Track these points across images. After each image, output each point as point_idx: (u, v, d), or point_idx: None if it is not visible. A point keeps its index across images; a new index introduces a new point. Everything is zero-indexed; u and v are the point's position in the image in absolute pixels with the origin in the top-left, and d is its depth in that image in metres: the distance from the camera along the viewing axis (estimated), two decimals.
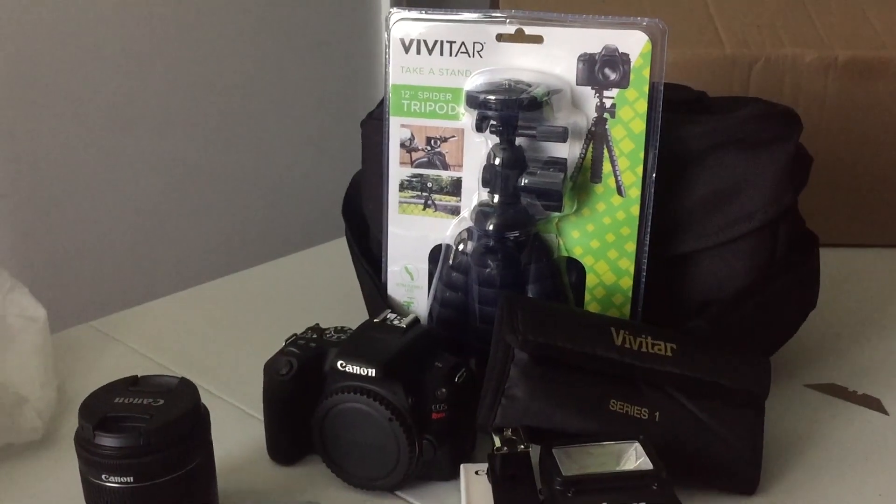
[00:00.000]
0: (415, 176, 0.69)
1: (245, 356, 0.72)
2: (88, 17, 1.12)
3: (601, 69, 0.63)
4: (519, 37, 0.65)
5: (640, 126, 0.63)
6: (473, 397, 0.60)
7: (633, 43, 0.62)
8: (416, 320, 0.62)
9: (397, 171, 0.69)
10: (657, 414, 0.59)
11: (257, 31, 1.29)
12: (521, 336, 0.59)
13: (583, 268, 0.67)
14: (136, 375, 0.56)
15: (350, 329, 0.64)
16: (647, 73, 0.62)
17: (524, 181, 0.63)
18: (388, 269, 0.71)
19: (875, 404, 0.72)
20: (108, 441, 0.50)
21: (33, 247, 1.13)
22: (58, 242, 1.15)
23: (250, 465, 0.64)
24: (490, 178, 0.64)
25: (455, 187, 0.68)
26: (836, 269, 0.83)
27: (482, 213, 0.65)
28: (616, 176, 0.64)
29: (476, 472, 0.59)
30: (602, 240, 0.66)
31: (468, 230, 0.67)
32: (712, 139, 0.66)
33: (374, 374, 0.57)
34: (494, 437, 0.58)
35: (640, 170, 0.64)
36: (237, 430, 0.66)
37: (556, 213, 0.65)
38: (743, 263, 0.67)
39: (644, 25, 0.62)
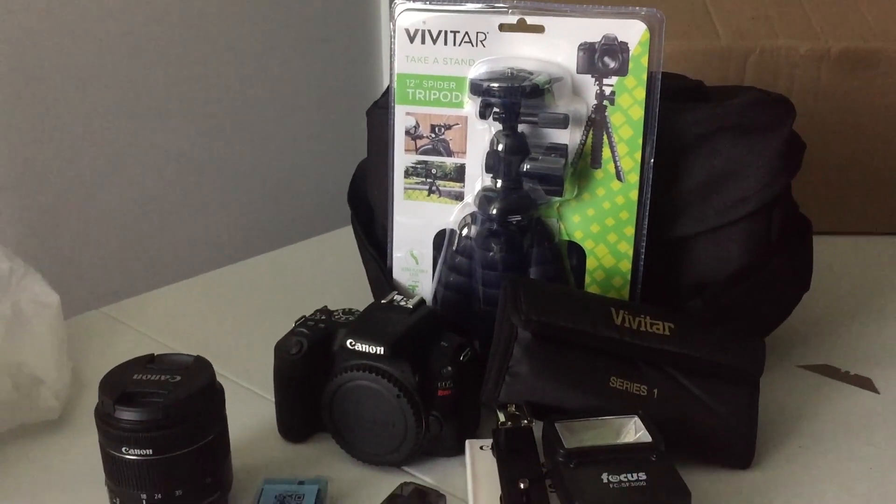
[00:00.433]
0: (419, 163, 0.71)
1: (255, 340, 0.74)
2: (93, 10, 1.13)
3: (601, 57, 0.65)
4: (521, 27, 0.67)
5: (638, 113, 0.65)
6: (478, 376, 0.62)
7: (632, 32, 0.64)
8: (422, 301, 0.64)
9: (402, 158, 0.71)
10: (655, 391, 0.61)
11: (261, 21, 1.31)
12: (525, 316, 0.61)
13: (583, 251, 0.69)
14: (153, 354, 0.58)
15: (357, 311, 0.66)
16: (645, 61, 0.64)
17: (526, 167, 0.65)
18: (394, 254, 0.73)
19: (866, 384, 0.74)
20: (127, 415, 0.52)
21: (41, 238, 1.14)
22: (65, 233, 1.17)
23: (262, 443, 0.66)
24: (493, 163, 0.66)
25: (459, 173, 0.70)
26: (829, 257, 0.85)
27: (486, 197, 0.67)
28: (615, 161, 0.66)
29: (481, 448, 0.61)
30: (602, 224, 0.68)
31: (472, 215, 0.69)
32: (708, 126, 0.68)
33: (382, 353, 0.59)
34: (498, 412, 0.60)
35: (638, 155, 0.66)
36: (249, 411, 0.68)
37: (558, 198, 0.67)
38: (738, 246, 0.69)
39: (642, 15, 0.64)
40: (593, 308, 0.63)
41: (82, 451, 0.64)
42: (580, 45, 0.65)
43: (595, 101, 0.66)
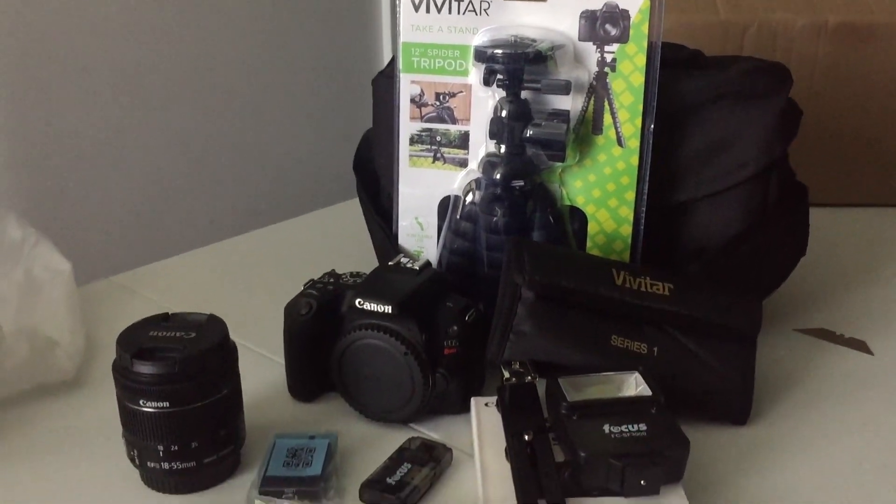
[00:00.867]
0: (424, 130, 0.72)
1: (264, 305, 0.76)
2: None
3: (602, 25, 0.66)
4: None
5: (639, 79, 0.67)
6: (483, 336, 0.64)
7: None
8: (428, 263, 0.66)
9: (408, 126, 0.73)
10: (655, 349, 0.63)
11: None
12: (528, 276, 0.62)
13: (585, 216, 0.70)
14: (168, 312, 0.59)
15: (364, 274, 0.67)
16: (645, 28, 0.66)
17: (529, 132, 0.67)
18: (399, 221, 0.75)
19: (861, 346, 0.76)
20: (145, 368, 0.54)
21: (49, 214, 1.16)
22: (73, 208, 1.19)
23: (273, 403, 0.67)
24: (497, 129, 0.68)
25: (463, 140, 0.71)
26: (827, 227, 0.87)
27: (490, 163, 0.69)
28: (616, 127, 0.68)
29: (486, 405, 0.63)
30: (603, 189, 0.69)
31: (476, 180, 0.70)
32: (707, 93, 0.69)
33: (390, 311, 0.61)
34: (503, 370, 0.62)
35: (639, 122, 0.67)
36: (259, 373, 0.70)
37: (560, 164, 0.68)
38: (736, 211, 0.71)
39: None
40: (595, 269, 0.64)
41: (97, 409, 0.66)
42: (582, 12, 0.67)
43: (596, 68, 0.67)
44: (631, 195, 0.69)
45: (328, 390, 0.67)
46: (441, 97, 0.71)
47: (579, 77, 0.67)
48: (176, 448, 0.55)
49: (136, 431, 0.55)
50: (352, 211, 0.84)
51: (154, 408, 0.54)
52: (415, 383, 0.62)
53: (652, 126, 0.67)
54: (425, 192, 0.73)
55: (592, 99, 0.68)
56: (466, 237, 0.71)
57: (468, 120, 0.71)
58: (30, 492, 0.58)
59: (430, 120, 0.72)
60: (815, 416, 0.66)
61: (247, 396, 0.61)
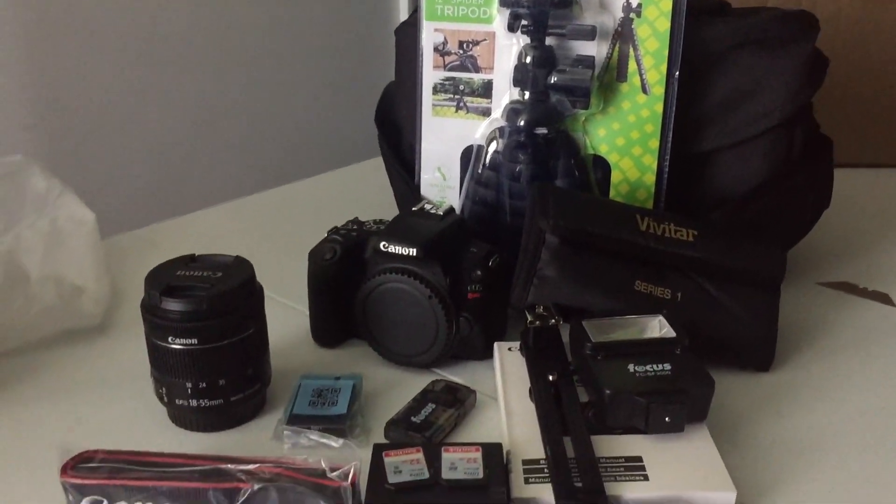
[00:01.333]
0: (447, 79, 0.72)
1: (286, 257, 0.76)
2: None
3: None
4: None
5: (664, 25, 0.66)
6: (506, 281, 0.64)
7: None
8: (452, 209, 0.66)
9: (431, 75, 0.72)
10: (679, 294, 0.63)
11: None
12: (553, 221, 0.62)
13: (608, 165, 0.70)
14: (194, 254, 0.60)
15: (387, 221, 0.68)
16: None
17: (554, 79, 0.67)
18: (422, 171, 0.75)
19: (885, 299, 0.75)
20: (174, 306, 0.54)
21: (70, 169, 1.16)
22: (96, 161, 1.19)
23: (297, 349, 0.68)
24: (521, 76, 0.68)
25: (486, 89, 0.71)
26: (850, 187, 0.87)
27: (513, 110, 0.69)
28: (641, 74, 0.68)
29: (509, 349, 0.63)
30: (627, 137, 0.69)
31: (499, 129, 0.70)
32: (733, 40, 0.69)
33: (415, 254, 0.61)
34: (527, 314, 0.62)
35: (664, 68, 0.67)
36: (284, 322, 0.70)
37: (584, 111, 0.68)
38: (760, 161, 0.70)
39: None
40: (619, 215, 0.64)
41: (124, 353, 0.66)
42: None
43: (622, 14, 0.67)
44: (655, 143, 0.69)
45: (352, 337, 0.68)
46: (464, 45, 0.71)
47: (604, 23, 0.67)
48: (204, 385, 0.56)
49: (165, 369, 0.56)
50: (373, 168, 0.84)
51: (182, 345, 0.55)
52: (439, 327, 0.62)
53: (677, 73, 0.67)
54: (448, 141, 0.73)
55: (617, 45, 0.67)
56: (489, 186, 0.71)
57: (491, 68, 0.71)
58: (58, 430, 0.59)
59: (453, 69, 0.72)
60: (838, 365, 0.66)
61: (272, 344, 0.61)
